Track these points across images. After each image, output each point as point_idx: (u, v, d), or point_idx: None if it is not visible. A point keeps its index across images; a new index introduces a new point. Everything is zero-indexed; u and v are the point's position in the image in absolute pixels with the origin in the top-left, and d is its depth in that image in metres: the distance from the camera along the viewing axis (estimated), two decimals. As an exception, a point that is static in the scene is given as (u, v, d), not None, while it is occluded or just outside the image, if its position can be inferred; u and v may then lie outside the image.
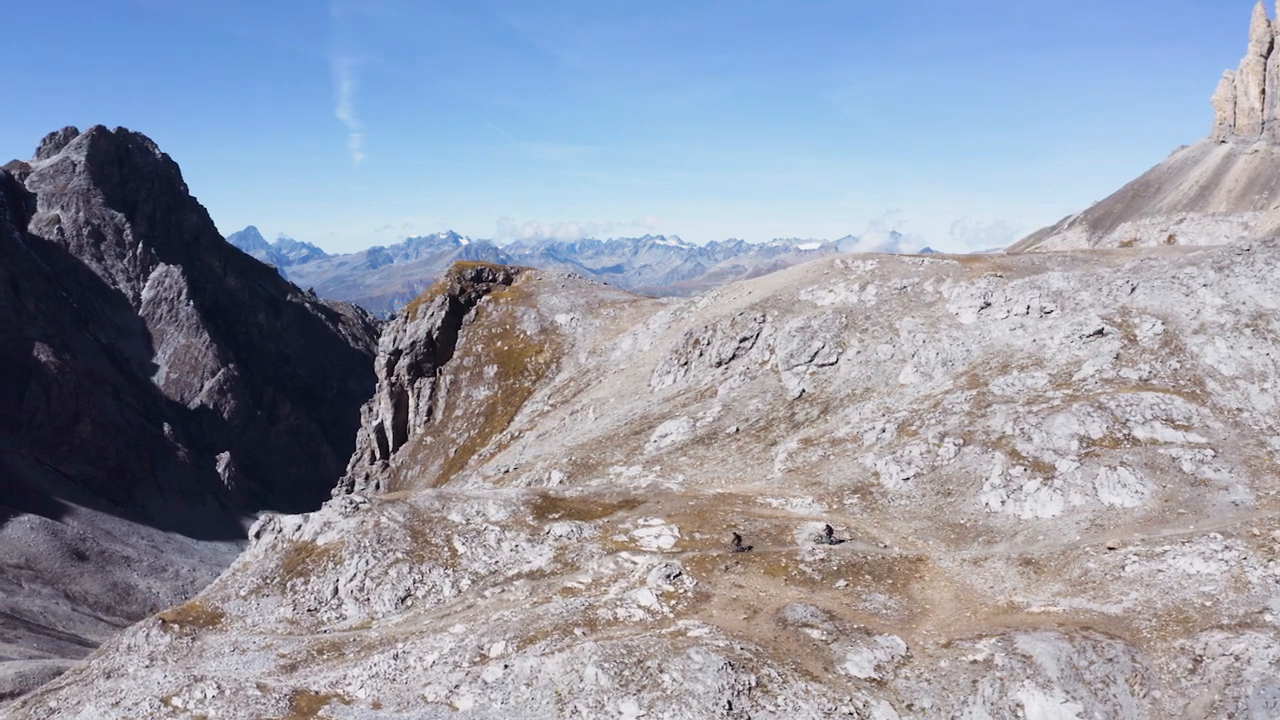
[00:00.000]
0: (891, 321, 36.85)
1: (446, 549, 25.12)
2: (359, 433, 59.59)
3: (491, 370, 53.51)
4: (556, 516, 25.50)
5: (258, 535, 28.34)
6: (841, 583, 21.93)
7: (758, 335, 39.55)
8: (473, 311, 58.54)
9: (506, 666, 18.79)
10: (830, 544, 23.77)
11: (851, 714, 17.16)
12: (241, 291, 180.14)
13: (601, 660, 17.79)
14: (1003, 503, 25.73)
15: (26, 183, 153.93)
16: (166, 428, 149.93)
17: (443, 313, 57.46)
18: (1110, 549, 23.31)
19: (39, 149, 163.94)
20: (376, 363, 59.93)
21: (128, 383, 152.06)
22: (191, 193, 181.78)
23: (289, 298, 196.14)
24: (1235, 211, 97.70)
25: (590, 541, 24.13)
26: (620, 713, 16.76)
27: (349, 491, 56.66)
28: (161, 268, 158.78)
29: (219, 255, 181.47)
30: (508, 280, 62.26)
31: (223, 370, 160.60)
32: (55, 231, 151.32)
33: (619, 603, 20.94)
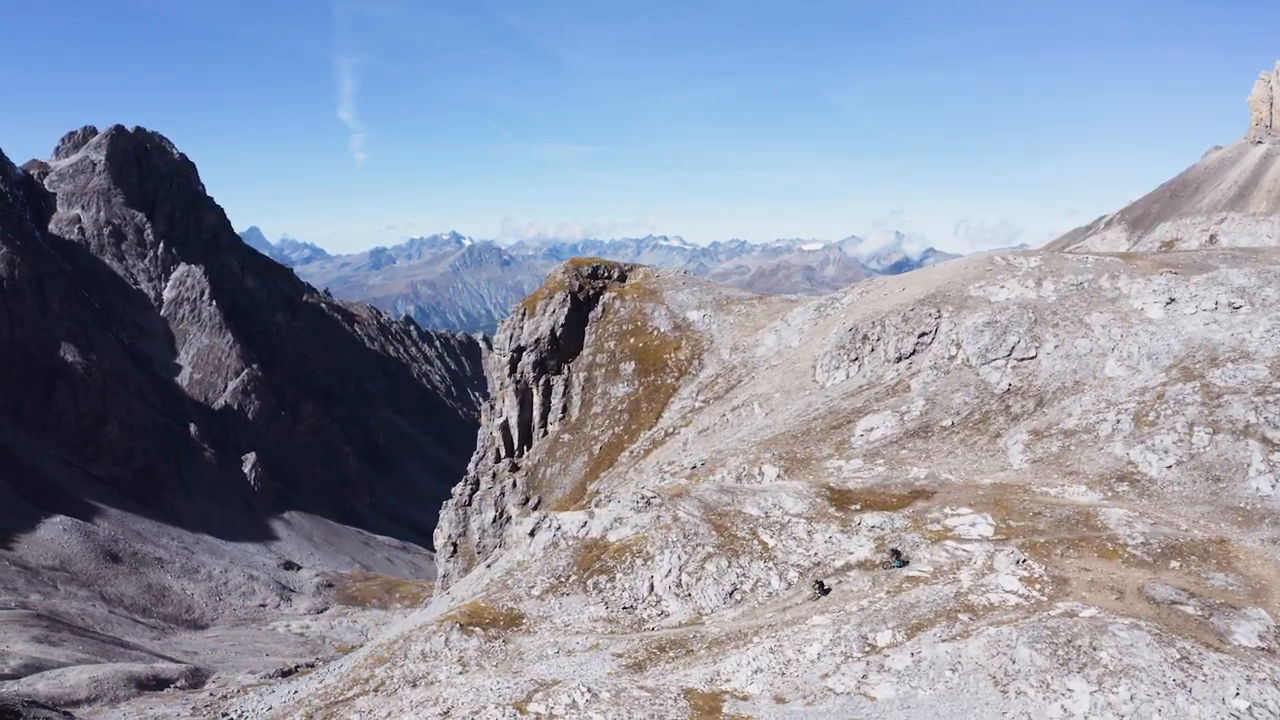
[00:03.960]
0: (1080, 317, 38.04)
1: (755, 541, 25.74)
2: (480, 431, 59.87)
3: (629, 367, 54.02)
4: (857, 508, 26.29)
5: (532, 533, 28.69)
6: (1175, 563, 23.00)
7: (936, 330, 40.57)
8: (599, 308, 58.96)
9: (914, 655, 19.47)
10: (897, 566, 23.09)
11: (1265, 679, 18.21)
12: (259, 291, 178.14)
13: (1031, 642, 18.65)
14: (1273, 486, 26.97)
15: (46, 182, 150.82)
16: (193, 428, 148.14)
17: (564, 309, 57.76)
18: (1394, 528, 24.72)
19: (58, 148, 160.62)
20: (493, 360, 60.01)
21: (152, 383, 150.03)
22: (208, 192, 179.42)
23: (305, 298, 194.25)
24: (1276, 211, 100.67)
25: (906, 531, 24.91)
26: (1070, 689, 17.61)
27: (474, 491, 56.99)
28: (183, 267, 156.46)
29: (236, 255, 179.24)
30: (622, 277, 62.79)
31: (246, 371, 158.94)
32: (76, 231, 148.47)
33: (983, 589, 21.79)
